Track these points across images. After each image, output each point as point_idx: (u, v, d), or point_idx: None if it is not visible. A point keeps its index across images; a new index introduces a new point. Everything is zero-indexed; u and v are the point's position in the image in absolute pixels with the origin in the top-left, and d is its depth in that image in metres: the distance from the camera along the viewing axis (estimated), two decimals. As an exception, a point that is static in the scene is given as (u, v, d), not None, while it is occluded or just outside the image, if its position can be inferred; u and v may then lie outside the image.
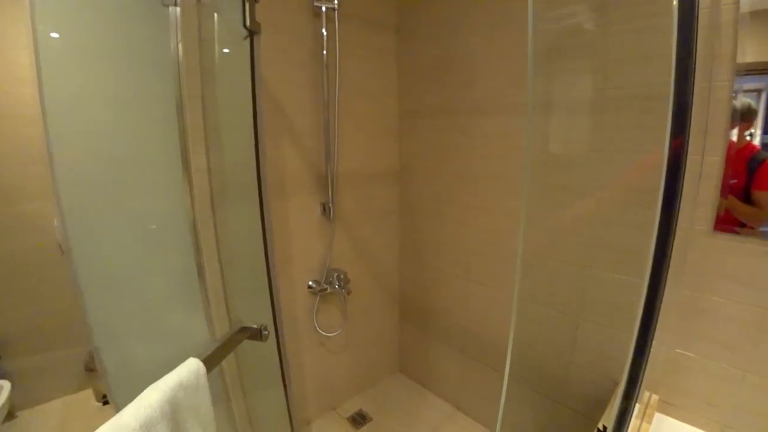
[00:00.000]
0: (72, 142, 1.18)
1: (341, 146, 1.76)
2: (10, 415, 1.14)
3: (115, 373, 1.26)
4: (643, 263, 0.59)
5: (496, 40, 1.52)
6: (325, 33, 1.59)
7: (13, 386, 1.08)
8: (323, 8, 1.57)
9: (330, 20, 1.60)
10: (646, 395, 1.17)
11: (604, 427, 0.93)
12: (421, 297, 2.10)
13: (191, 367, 0.83)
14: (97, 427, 0.60)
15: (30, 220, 1.21)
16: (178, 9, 1.23)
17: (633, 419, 0.78)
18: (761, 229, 0.98)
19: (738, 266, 1.03)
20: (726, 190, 1.02)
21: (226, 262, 1.40)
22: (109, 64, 1.23)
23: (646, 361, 0.60)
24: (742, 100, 0.97)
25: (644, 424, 1.09)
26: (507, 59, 1.49)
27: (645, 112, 1.10)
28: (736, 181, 1.00)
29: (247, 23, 0.82)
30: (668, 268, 0.57)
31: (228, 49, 1.19)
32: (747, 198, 0.99)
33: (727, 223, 1.03)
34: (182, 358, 0.91)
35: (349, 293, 1.91)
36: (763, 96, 0.95)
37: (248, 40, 0.86)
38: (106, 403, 1.22)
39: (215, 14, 1.21)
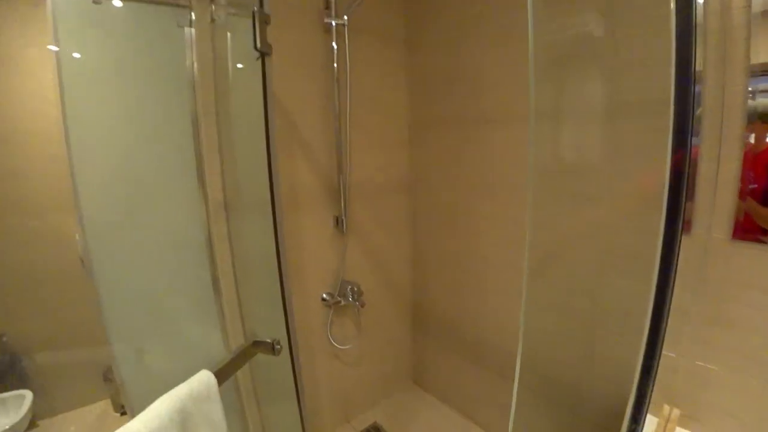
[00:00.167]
0: (92, 159, 1.23)
1: (353, 158, 1.78)
2: (32, 424, 1.17)
3: (132, 383, 1.28)
4: (651, 269, 0.58)
5: (504, 50, 1.52)
6: (335, 47, 1.62)
7: (34, 395, 1.11)
8: (333, 24, 1.60)
9: (340, 35, 1.63)
10: (666, 409, 1.14)
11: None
12: (435, 308, 2.09)
13: (202, 378, 0.85)
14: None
15: (52, 233, 1.24)
16: (193, 30, 1.27)
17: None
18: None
19: (761, 274, 1.00)
20: (744, 194, 1.00)
21: (241, 275, 1.43)
22: (127, 83, 1.28)
23: (652, 386, 0.59)
24: (761, 101, 0.95)
25: (665, 439, 1.06)
26: (516, 68, 1.50)
27: (656, 117, 1.09)
28: (756, 185, 0.98)
29: (258, 45, 0.84)
30: (673, 285, 0.55)
31: (241, 66, 1.22)
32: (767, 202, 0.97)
33: (747, 230, 1.00)
34: (196, 369, 0.93)
35: (362, 306, 1.91)
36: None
37: (260, 61, 0.88)
38: (123, 413, 1.24)
39: (228, 34, 1.25)
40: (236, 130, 1.31)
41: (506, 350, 1.75)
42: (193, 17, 1.27)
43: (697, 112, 1.04)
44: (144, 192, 1.34)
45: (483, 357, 1.86)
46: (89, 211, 1.22)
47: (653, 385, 0.61)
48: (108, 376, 1.30)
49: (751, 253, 1.00)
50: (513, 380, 1.68)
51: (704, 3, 1.00)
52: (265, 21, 0.84)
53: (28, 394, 1.08)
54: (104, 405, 1.32)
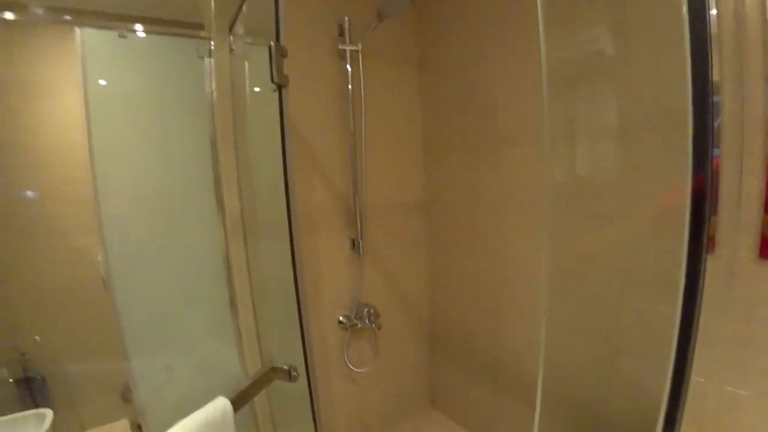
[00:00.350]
0: (115, 182, 1.27)
1: (368, 180, 1.80)
2: (52, 444, 1.17)
3: (150, 404, 1.29)
4: (675, 291, 0.56)
5: (517, 70, 1.53)
6: (349, 69, 1.66)
7: (55, 414, 1.12)
8: (347, 50, 1.64)
9: (354, 60, 1.67)
10: (697, 437, 1.09)
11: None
12: (452, 330, 2.06)
13: (218, 405, 0.85)
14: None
15: (75, 254, 1.27)
16: (212, 60, 1.32)
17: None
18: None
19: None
20: (768, 209, 0.97)
21: (258, 297, 1.43)
22: (150, 110, 1.33)
23: (682, 414, 0.56)
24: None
25: (697, 468, 1.01)
26: (529, 87, 1.50)
27: (672, 132, 1.07)
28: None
29: (275, 78, 0.86)
30: (700, 309, 0.54)
31: (258, 92, 1.26)
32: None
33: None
34: (214, 394, 0.93)
35: (379, 328, 1.89)
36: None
37: (277, 92, 0.91)
38: (141, 436, 1.24)
39: (246, 63, 1.29)
40: (253, 155, 1.34)
41: (525, 372, 1.70)
42: (213, 48, 1.32)
43: (716, 123, 1.02)
44: (164, 214, 1.38)
45: (501, 379, 1.82)
46: (112, 232, 1.25)
47: (683, 414, 0.59)
48: (126, 396, 1.31)
49: (780, 271, 0.97)
50: (531, 402, 1.63)
51: (717, 16, 1.00)
52: (281, 54, 0.86)
53: (48, 413, 1.09)
54: (123, 425, 1.32)
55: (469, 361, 1.98)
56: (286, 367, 1.07)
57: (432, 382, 2.26)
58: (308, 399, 1.10)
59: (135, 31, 1.24)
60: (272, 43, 0.85)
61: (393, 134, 1.92)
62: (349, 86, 1.67)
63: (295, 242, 0.95)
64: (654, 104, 1.11)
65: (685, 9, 0.47)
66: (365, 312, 1.85)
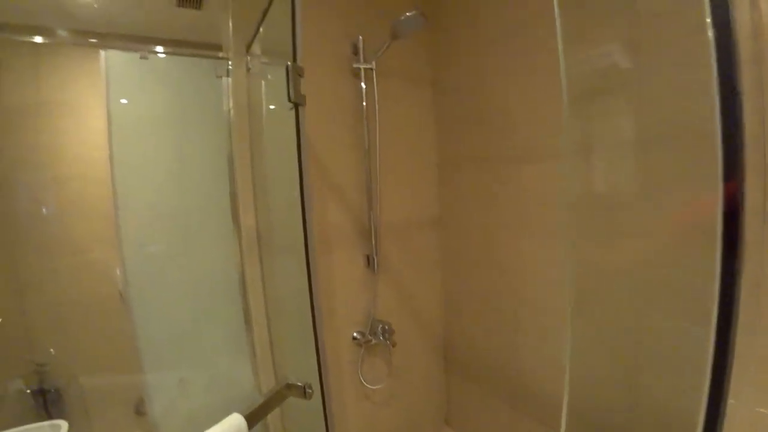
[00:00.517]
0: (135, 199, 1.30)
1: (383, 197, 1.80)
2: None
3: (164, 418, 1.28)
4: (706, 309, 0.54)
5: (531, 87, 1.53)
6: (364, 87, 1.68)
7: (70, 426, 1.12)
8: (361, 68, 1.67)
9: (368, 78, 1.69)
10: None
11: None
12: (468, 348, 2.02)
13: (233, 422, 0.84)
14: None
15: (94, 268, 1.30)
16: (230, 79, 1.35)
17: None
18: None
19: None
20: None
21: (273, 314, 1.43)
22: (169, 128, 1.36)
23: None
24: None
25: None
26: (544, 104, 1.50)
27: (693, 149, 1.06)
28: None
29: (292, 97, 0.87)
30: (735, 330, 0.51)
31: (274, 110, 1.28)
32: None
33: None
34: (227, 410, 0.93)
35: (394, 345, 1.87)
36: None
37: (293, 111, 0.92)
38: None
39: (263, 82, 1.31)
40: (269, 173, 1.36)
41: (543, 393, 1.66)
42: (231, 67, 1.35)
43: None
44: (182, 231, 1.40)
45: (519, 399, 1.77)
46: (130, 248, 1.28)
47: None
48: (140, 409, 1.31)
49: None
50: (549, 422, 1.59)
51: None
52: (299, 74, 0.88)
53: (63, 424, 1.09)
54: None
55: (485, 380, 1.94)
56: (300, 384, 1.06)
57: (447, 400, 2.22)
58: (322, 415, 1.09)
59: (156, 52, 1.28)
60: (289, 63, 0.87)
61: (407, 151, 1.93)
62: (364, 104, 1.69)
63: (311, 258, 0.95)
64: (674, 117, 1.09)
65: (708, 19, 0.47)
66: (380, 328, 1.83)
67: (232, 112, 1.35)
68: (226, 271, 1.42)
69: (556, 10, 1.00)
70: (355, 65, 1.67)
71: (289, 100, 0.87)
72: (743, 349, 1.02)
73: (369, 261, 1.79)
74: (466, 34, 1.81)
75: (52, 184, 1.23)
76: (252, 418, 0.93)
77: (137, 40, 1.28)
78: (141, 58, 1.27)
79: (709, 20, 0.50)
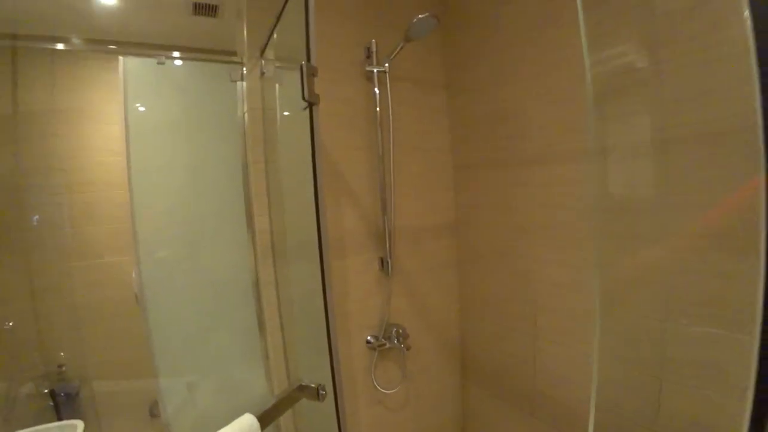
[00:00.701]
0: (151, 203, 1.31)
1: (397, 202, 1.79)
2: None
3: (176, 421, 1.29)
4: (736, 314, 0.52)
5: (546, 89, 1.51)
6: (377, 91, 1.67)
7: (86, 426, 1.14)
8: (375, 71, 1.67)
9: (381, 82, 1.69)
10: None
11: None
12: (485, 354, 1.99)
13: (245, 422, 0.84)
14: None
15: (110, 271, 1.31)
16: (244, 83, 1.36)
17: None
18: None
19: None
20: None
21: (286, 317, 1.43)
22: (185, 133, 1.38)
23: None
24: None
25: None
26: (560, 106, 1.47)
27: (715, 149, 1.02)
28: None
29: (306, 96, 0.87)
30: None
31: (288, 114, 1.29)
32: None
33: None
34: (240, 411, 0.92)
35: (408, 349, 1.86)
36: None
37: (307, 110, 0.92)
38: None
39: (276, 85, 1.32)
40: (284, 177, 1.36)
41: (564, 401, 1.62)
42: (245, 72, 1.36)
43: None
44: (197, 235, 1.41)
45: (537, 408, 1.74)
46: (146, 251, 1.29)
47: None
48: (154, 411, 1.32)
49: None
50: (571, 433, 1.54)
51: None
52: (312, 73, 0.88)
53: (79, 424, 1.11)
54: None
55: (502, 387, 1.91)
56: (314, 386, 1.05)
57: (463, 407, 2.19)
58: (335, 419, 1.08)
59: (172, 58, 1.30)
60: (303, 63, 0.87)
61: (421, 154, 1.92)
62: (377, 107, 1.68)
63: (324, 261, 0.94)
64: (695, 120, 1.06)
65: (747, 12, 0.45)
66: (393, 332, 1.82)
67: (246, 115, 1.35)
68: (240, 275, 1.43)
69: (579, 8, 0.98)
70: (368, 68, 1.67)
71: (304, 98, 0.87)
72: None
73: (383, 264, 1.78)
74: (479, 36, 1.80)
75: (69, 189, 1.26)
76: (264, 419, 0.92)
77: (154, 48, 1.30)
78: (158, 63, 1.28)
79: (747, 11, 0.48)
